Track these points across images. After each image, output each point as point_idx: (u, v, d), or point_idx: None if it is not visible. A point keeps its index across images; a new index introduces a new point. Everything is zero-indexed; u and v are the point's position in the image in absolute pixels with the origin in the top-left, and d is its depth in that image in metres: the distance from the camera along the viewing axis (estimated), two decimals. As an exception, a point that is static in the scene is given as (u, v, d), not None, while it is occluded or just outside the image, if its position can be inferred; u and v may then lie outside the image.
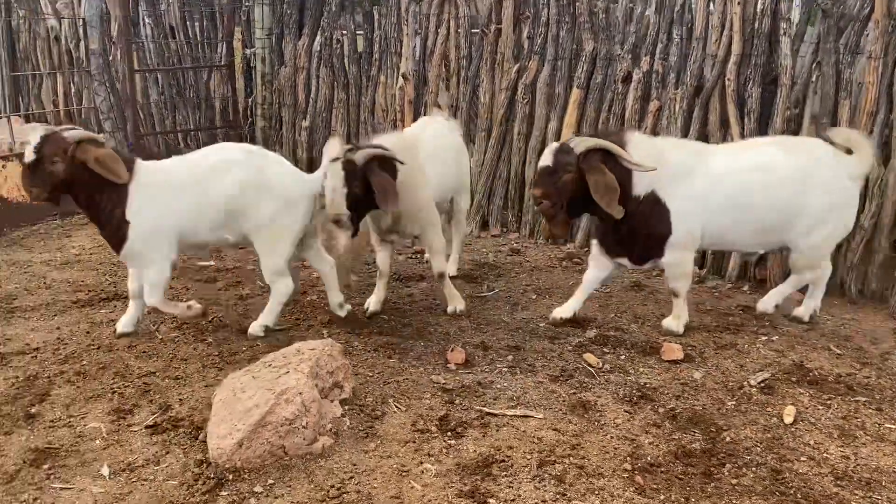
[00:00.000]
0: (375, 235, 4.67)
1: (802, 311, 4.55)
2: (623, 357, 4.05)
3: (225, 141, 8.25)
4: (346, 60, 7.27)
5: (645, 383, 3.74)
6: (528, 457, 3.07)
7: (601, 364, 3.94)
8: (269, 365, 3.25)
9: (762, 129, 5.09)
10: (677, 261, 4.19)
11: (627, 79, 5.71)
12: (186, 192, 3.99)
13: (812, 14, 4.95)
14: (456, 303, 4.65)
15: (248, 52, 7.90)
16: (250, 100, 7.98)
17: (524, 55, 6.25)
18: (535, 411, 3.44)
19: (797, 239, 4.22)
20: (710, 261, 5.43)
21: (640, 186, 4.07)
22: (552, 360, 3.99)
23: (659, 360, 4.01)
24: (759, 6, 5.05)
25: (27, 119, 9.87)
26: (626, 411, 3.48)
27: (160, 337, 4.20)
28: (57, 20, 9.43)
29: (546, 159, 4.04)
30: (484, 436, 3.23)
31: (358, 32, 7.37)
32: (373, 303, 4.62)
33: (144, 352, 4.00)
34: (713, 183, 4.10)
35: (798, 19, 5.25)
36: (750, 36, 5.15)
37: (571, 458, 3.07)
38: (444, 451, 3.11)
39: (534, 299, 4.92)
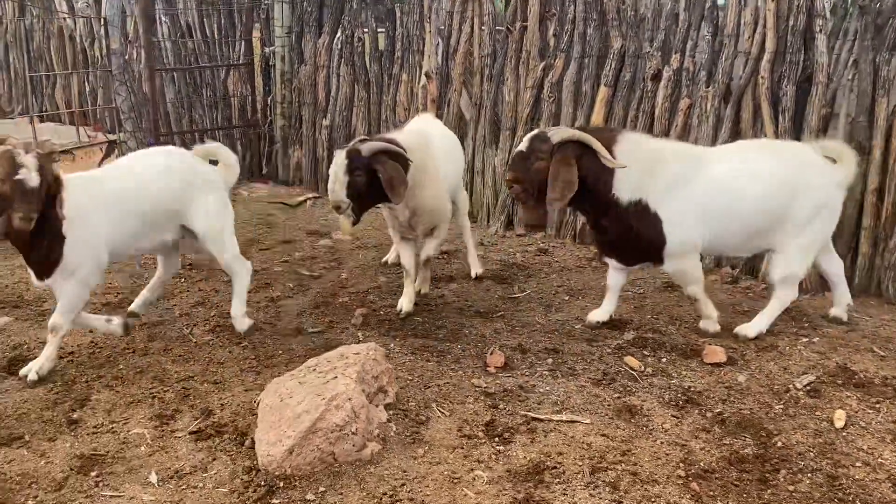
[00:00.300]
0: (396, 235, 4.69)
1: (839, 312, 4.49)
2: (664, 360, 4.00)
3: (243, 140, 8.26)
4: (367, 58, 7.22)
5: (689, 387, 3.69)
6: (580, 463, 3.02)
7: (643, 367, 3.89)
8: (314, 370, 3.20)
9: (797, 127, 5.03)
10: (682, 268, 4.12)
11: (657, 76, 5.65)
12: (127, 201, 3.81)
13: (848, 10, 4.88)
14: (424, 287, 4.80)
15: (267, 50, 7.85)
16: (269, 98, 7.94)
17: (550, 53, 6.19)
18: (582, 416, 3.39)
19: (782, 243, 4.13)
20: (743, 261, 5.37)
21: (626, 191, 3.95)
22: (592, 364, 3.94)
23: (701, 363, 3.95)
24: (795, 2, 4.97)
25: (41, 119, 9.87)
26: (674, 416, 3.43)
27: (194, 340, 4.16)
28: (71, 19, 9.39)
29: (522, 144, 4.02)
30: (532, 441, 3.18)
31: (379, 30, 7.33)
32: (405, 304, 4.58)
33: (180, 356, 3.96)
34: (712, 190, 4.01)
35: (829, 15, 5.16)
36: (784, 32, 5.09)
37: (623, 465, 3.02)
38: (494, 457, 3.06)
39: (567, 300, 4.87)
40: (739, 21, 5.28)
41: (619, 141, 3.99)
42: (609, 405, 3.51)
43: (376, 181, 4.03)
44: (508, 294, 5.00)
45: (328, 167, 7.54)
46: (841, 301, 4.50)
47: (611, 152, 3.93)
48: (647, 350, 4.11)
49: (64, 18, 9.04)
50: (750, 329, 4.25)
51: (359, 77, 7.27)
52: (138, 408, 3.41)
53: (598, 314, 4.43)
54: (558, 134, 3.94)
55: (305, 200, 7.28)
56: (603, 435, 3.24)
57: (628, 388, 3.68)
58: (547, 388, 3.64)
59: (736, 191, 4.02)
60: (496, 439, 3.19)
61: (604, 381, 3.74)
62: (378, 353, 3.34)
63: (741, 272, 5.37)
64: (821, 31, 4.90)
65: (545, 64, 6.15)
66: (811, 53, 5.01)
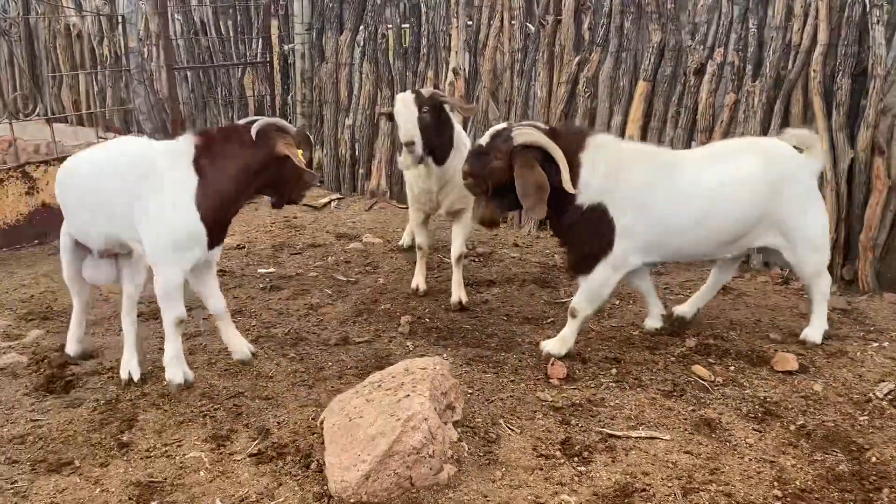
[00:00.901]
0: (418, 214, 4.79)
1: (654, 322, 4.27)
2: (732, 368, 3.82)
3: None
4: (390, 55, 7.02)
5: (765, 397, 3.51)
6: (669, 484, 2.84)
7: (712, 377, 3.70)
8: (380, 386, 3.02)
9: (853, 122, 4.86)
10: (602, 280, 3.78)
11: (700, 71, 5.46)
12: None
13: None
14: (462, 293, 4.66)
15: (286, 47, 7.64)
16: (289, 97, 7.72)
17: (584, 47, 6.00)
18: (660, 432, 3.21)
19: (789, 248, 3.91)
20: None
21: (586, 195, 3.66)
22: (658, 374, 3.76)
23: (771, 371, 3.77)
24: (850, -7, 4.79)
25: (47, 121, 9.62)
26: (755, 430, 3.25)
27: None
28: (79, 17, 9.17)
29: (484, 138, 3.75)
30: (613, 461, 3.00)
31: (403, 26, 7.12)
32: (420, 282, 4.81)
33: (226, 370, 3.77)
34: (679, 202, 3.72)
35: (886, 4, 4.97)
36: (836, 24, 4.91)
37: (715, 485, 2.84)
38: (576, 479, 2.88)
39: (618, 305, 4.69)
40: (788, 13, 5.10)
41: (587, 147, 3.70)
42: (685, 419, 3.33)
43: (438, 121, 4.37)
44: (555, 298, 4.82)
45: (351, 167, 7.41)
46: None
47: (576, 158, 3.65)
48: (711, 358, 3.94)
49: (81, 15, 8.78)
50: (815, 333, 4.07)
51: (382, 75, 7.07)
52: (190, 428, 3.22)
53: (652, 321, 4.26)
54: (520, 136, 3.63)
55: (330, 202, 7.08)
56: (686, 452, 3.06)
57: (701, 400, 3.50)
58: (617, 402, 3.46)
59: (713, 202, 3.74)
60: (575, 459, 3.00)
61: (674, 393, 3.56)
62: (444, 366, 3.16)
63: (791, 272, 5.19)
64: (878, 21, 4.71)
65: (580, 58, 5.97)
66: (865, 45, 4.84)
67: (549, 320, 4.45)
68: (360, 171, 7.36)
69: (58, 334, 4.19)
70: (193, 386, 3.57)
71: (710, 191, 3.76)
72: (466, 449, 3.02)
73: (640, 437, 3.16)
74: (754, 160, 3.84)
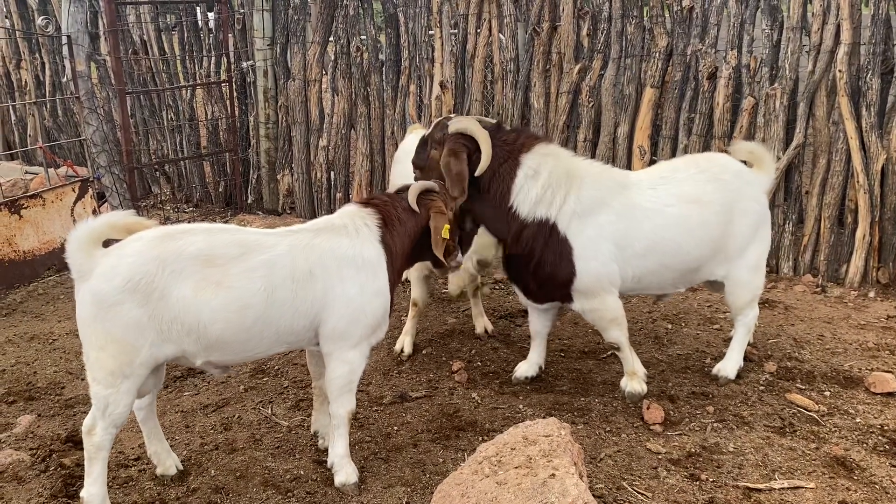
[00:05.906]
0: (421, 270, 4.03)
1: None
2: (827, 394, 3.56)
3: (215, 167, 7.36)
4: (364, 69, 6.51)
5: (881, 426, 3.26)
6: (846, 545, 2.52)
7: (815, 406, 3.43)
8: (501, 462, 2.56)
9: (882, 123, 4.73)
10: (596, 307, 3.43)
11: (713, 75, 5.25)
12: None
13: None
14: (486, 322, 4.40)
15: (245, 65, 7.00)
16: (253, 118, 7.08)
17: (584, 54, 5.70)
18: (799, 479, 2.89)
19: (731, 271, 3.62)
20: (824, 266, 5.03)
21: (527, 206, 3.35)
22: (757, 407, 3.45)
23: (869, 394, 3.54)
24: (875, -10, 4.68)
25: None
26: (893, 465, 2.98)
27: (286, 424, 3.40)
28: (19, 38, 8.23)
29: (427, 130, 3.61)
30: (770, 521, 2.66)
31: (378, 38, 6.63)
32: (406, 344, 4.12)
33: (277, 447, 3.21)
34: (636, 223, 3.39)
35: None
36: (858, 22, 4.78)
37: (894, 541, 2.54)
38: (743, 549, 2.52)
39: (672, 329, 4.38)
40: (804, 13, 4.95)
41: (533, 150, 3.39)
42: (814, 460, 3.03)
43: None
44: (600, 326, 4.46)
45: (327, 191, 6.86)
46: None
47: (518, 157, 3.36)
48: (799, 383, 3.67)
49: (25, 37, 7.83)
50: (730, 369, 3.70)
51: (357, 91, 6.55)
52: (266, 531, 2.67)
53: (526, 368, 3.80)
54: (455, 124, 3.41)
55: (311, 231, 6.49)
56: (841, 502, 2.75)
57: (819, 435, 3.21)
58: (734, 447, 3.12)
59: (673, 222, 3.42)
60: (730, 524, 2.65)
61: (786, 430, 3.26)
62: (567, 430, 2.73)
63: (824, 279, 5.04)
64: (907, 19, 4.61)
65: (581, 66, 5.65)
66: (891, 43, 4.74)
67: (609, 352, 4.08)
68: (338, 195, 6.81)
69: (54, 418, 3.51)
70: (249, 474, 3.00)
71: (671, 210, 3.43)
72: (609, 526, 2.61)
73: (783, 489, 2.83)
74: (716, 181, 3.53)
